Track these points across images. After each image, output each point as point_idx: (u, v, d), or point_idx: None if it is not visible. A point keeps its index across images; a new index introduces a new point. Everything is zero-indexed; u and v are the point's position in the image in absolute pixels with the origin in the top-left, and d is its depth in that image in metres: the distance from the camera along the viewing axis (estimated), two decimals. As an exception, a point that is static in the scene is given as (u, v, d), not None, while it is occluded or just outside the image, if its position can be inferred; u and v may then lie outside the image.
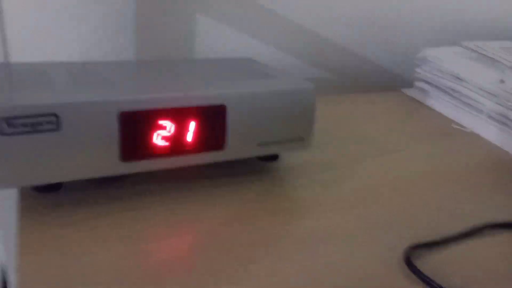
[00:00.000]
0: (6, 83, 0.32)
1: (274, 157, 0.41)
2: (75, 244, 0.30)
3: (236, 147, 0.37)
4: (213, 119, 0.35)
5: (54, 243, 0.30)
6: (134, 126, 0.32)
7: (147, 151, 0.33)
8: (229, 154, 0.37)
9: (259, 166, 0.43)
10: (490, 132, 0.56)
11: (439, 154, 0.50)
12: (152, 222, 0.33)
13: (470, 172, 0.47)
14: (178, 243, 0.32)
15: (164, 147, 0.34)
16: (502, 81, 0.56)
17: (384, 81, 0.77)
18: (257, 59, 0.64)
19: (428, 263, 0.33)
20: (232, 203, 0.37)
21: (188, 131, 0.35)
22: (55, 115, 0.29)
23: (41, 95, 0.30)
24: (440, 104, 0.64)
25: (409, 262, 0.32)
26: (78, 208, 0.34)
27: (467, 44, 0.68)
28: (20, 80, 0.33)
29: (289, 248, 0.32)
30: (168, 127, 0.34)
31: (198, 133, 0.35)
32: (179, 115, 0.34)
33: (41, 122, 0.29)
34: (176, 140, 0.34)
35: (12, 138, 0.28)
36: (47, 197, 0.34)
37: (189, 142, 0.35)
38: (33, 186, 0.32)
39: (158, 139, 0.34)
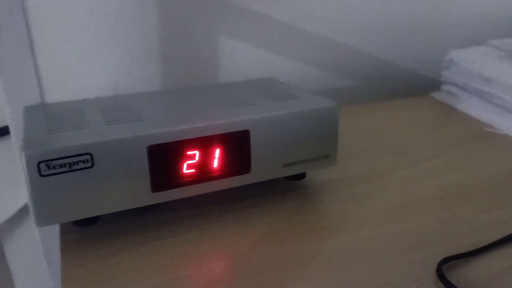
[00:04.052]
0: (43, 125, 0.35)
1: (301, 176, 0.42)
2: (113, 275, 0.32)
3: (261, 169, 0.38)
4: (237, 144, 0.36)
5: (93, 275, 0.32)
6: (163, 158, 0.34)
7: (176, 180, 0.35)
8: (255, 177, 0.38)
9: (288, 184, 0.43)
10: (524, 133, 0.54)
11: (473, 160, 0.49)
12: (184, 249, 0.35)
13: (505, 177, 0.46)
14: (210, 269, 0.33)
15: (192, 175, 0.35)
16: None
17: (410, 85, 0.76)
18: (281, 72, 0.66)
19: (463, 275, 0.32)
20: (262, 224, 0.38)
21: (214, 157, 0.36)
22: (90, 154, 0.31)
23: (76, 136, 0.32)
24: (471, 106, 0.62)
25: (441, 275, 0.32)
26: (114, 239, 0.35)
27: (494, 42, 0.66)
28: (56, 121, 0.35)
29: (321, 268, 0.33)
30: (194, 156, 0.35)
31: (223, 159, 0.36)
32: (205, 144, 0.35)
33: (77, 162, 0.31)
34: (203, 167, 0.36)
35: (50, 179, 0.31)
36: (85, 230, 0.36)
37: (215, 168, 0.36)
38: (72, 221, 0.34)
39: (186, 168, 0.35)
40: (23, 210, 0.50)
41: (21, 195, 0.49)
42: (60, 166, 0.31)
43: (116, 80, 0.57)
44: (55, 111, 0.38)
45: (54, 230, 0.44)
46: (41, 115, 0.37)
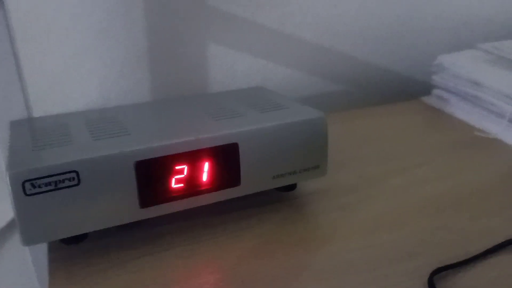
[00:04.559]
0: (28, 142, 0.34)
1: (292, 187, 0.42)
2: (102, 293, 0.32)
3: (251, 182, 0.37)
4: (226, 157, 0.36)
5: (83, 293, 0.31)
6: (150, 173, 0.33)
7: (164, 195, 0.34)
8: (244, 190, 0.37)
9: (278, 194, 0.43)
10: (513, 137, 0.55)
11: (464, 166, 0.49)
12: (173, 264, 0.34)
13: (496, 182, 0.46)
14: (200, 284, 0.32)
15: (181, 189, 0.35)
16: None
17: (401, 90, 0.76)
18: (271, 79, 0.66)
19: (454, 285, 0.32)
20: (251, 236, 0.37)
21: (203, 171, 0.36)
22: (76, 172, 0.31)
23: (61, 153, 0.32)
24: (461, 111, 0.62)
25: (433, 286, 0.32)
26: (102, 256, 0.35)
27: (483, 46, 0.67)
28: (42, 137, 0.35)
29: (312, 280, 0.33)
30: (183, 170, 0.35)
31: (212, 172, 0.36)
32: (193, 158, 0.35)
33: (63, 180, 0.31)
34: (192, 181, 0.35)
35: (36, 198, 0.30)
36: (73, 248, 0.36)
37: (204, 182, 0.36)
38: (60, 239, 0.33)
39: (174, 182, 0.35)
40: (11, 225, 0.49)
41: (8, 209, 0.48)
42: (46, 184, 0.30)
43: (105, 91, 0.57)
44: (41, 126, 0.38)
45: (43, 245, 0.44)
46: (27, 130, 0.37)
